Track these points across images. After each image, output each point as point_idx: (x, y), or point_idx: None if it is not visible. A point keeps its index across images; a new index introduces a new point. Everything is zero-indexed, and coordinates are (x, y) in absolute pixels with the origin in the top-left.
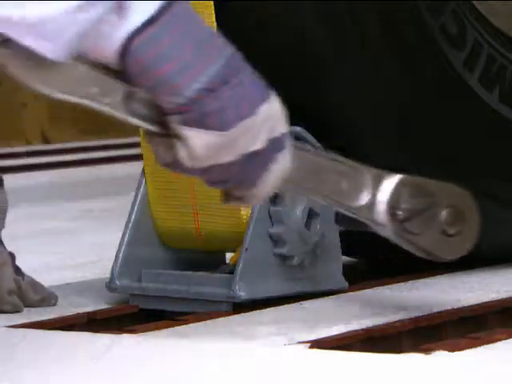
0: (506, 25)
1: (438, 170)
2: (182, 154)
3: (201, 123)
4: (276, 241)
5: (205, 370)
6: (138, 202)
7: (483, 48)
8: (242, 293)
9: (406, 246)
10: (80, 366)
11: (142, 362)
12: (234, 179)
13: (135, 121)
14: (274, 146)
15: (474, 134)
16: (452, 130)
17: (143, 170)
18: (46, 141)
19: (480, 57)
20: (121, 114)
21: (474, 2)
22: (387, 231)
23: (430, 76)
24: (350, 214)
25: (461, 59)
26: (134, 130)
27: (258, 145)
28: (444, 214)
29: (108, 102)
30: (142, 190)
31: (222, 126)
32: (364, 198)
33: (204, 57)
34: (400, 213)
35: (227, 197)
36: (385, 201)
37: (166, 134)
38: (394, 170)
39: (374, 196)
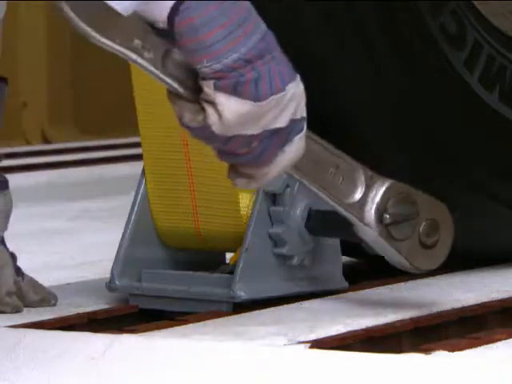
0: (505, 25)
1: (438, 170)
2: (213, 119)
3: (236, 91)
4: (276, 241)
5: (205, 370)
6: (137, 202)
7: (483, 48)
8: (242, 293)
9: (384, 253)
10: (80, 366)
11: (142, 362)
12: (249, 155)
13: (168, 81)
14: (294, 127)
15: (474, 133)
16: (452, 129)
17: (143, 170)
18: (46, 141)
19: (480, 57)
20: (156, 72)
21: (474, 2)
22: (371, 233)
23: (429, 76)
24: (340, 210)
25: (461, 59)
26: (134, 130)
27: (282, 123)
28: (423, 225)
29: (148, 57)
30: (141, 190)
31: (255, 97)
32: (356, 196)
33: (245, 29)
34: (387, 216)
35: (235, 174)
36: (375, 202)
37: (194, 100)
38: (394, 170)
39: (365, 195)
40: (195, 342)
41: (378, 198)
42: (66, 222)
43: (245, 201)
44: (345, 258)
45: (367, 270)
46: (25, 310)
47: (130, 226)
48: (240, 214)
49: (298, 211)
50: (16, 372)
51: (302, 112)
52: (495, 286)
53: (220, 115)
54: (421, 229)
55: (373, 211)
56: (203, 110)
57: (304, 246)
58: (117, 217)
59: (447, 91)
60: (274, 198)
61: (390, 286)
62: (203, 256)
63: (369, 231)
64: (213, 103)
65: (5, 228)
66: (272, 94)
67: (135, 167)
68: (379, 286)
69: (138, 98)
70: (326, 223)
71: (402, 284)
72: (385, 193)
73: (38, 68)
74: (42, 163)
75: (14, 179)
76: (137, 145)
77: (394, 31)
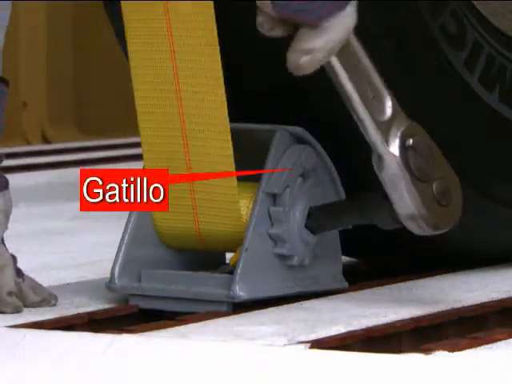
0: (505, 25)
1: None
2: None
3: None
4: (276, 241)
5: (205, 370)
6: None
7: (483, 48)
8: (242, 293)
9: (399, 194)
10: (80, 366)
11: (142, 362)
12: (305, 4)
13: None
14: None
15: (474, 133)
16: (452, 129)
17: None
18: (46, 141)
19: (480, 57)
20: None
21: (474, 2)
22: (391, 161)
23: (429, 76)
24: (367, 126)
25: (461, 59)
26: (134, 130)
27: None
28: (437, 183)
29: None
30: None
31: None
32: (384, 117)
33: None
34: (411, 141)
35: (295, 53)
36: (400, 129)
37: None
38: None
39: (391, 121)
40: (195, 342)
41: (403, 127)
42: (66, 221)
43: (245, 201)
44: (345, 258)
45: (367, 270)
46: (25, 309)
47: (130, 226)
48: (240, 214)
49: (298, 211)
50: (16, 372)
51: None
52: (495, 286)
53: None
54: (435, 182)
55: (398, 136)
56: None
57: (304, 246)
58: (117, 217)
59: (447, 91)
60: (273, 198)
61: (389, 286)
62: (203, 256)
63: (389, 157)
64: None
65: (5, 228)
66: None
67: (135, 167)
68: (379, 286)
69: (137, 98)
70: (326, 215)
71: (402, 284)
72: (410, 126)
73: (38, 68)
74: (42, 163)
75: (14, 179)
76: (137, 145)
77: (394, 32)
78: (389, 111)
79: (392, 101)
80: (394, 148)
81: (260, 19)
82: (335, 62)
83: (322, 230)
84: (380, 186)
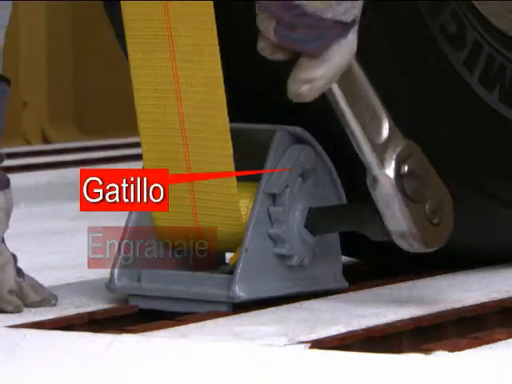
0: (505, 25)
1: (438, 170)
2: None
3: None
4: (276, 241)
5: (205, 370)
6: None
7: (483, 48)
8: (242, 293)
9: (391, 213)
10: (80, 366)
11: (142, 362)
12: (305, 35)
13: None
14: (352, 25)
15: (474, 133)
16: (452, 129)
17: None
18: (46, 141)
19: (480, 57)
20: None
21: (474, 2)
22: (385, 183)
23: (429, 76)
24: (363, 149)
25: (461, 59)
26: (134, 130)
27: (347, 18)
28: (430, 200)
29: None
30: None
31: None
32: (380, 140)
33: None
34: (405, 167)
35: (295, 83)
36: (396, 151)
37: None
38: None
39: (387, 142)
40: (195, 342)
41: (399, 149)
42: (66, 221)
43: (245, 201)
44: (345, 258)
45: (367, 270)
46: (25, 309)
47: (129, 226)
48: (240, 214)
49: (298, 211)
50: (16, 372)
51: (358, 12)
52: (495, 286)
53: None
54: (428, 202)
55: (393, 158)
56: None
57: (304, 246)
58: (117, 217)
59: (447, 91)
60: (273, 198)
61: (389, 286)
62: (203, 256)
63: (383, 179)
64: None
65: (6, 227)
66: None
67: (135, 167)
68: (379, 285)
69: (137, 98)
70: (326, 218)
71: (402, 284)
72: (406, 147)
73: (38, 68)
74: (42, 163)
75: (14, 179)
76: (137, 145)
77: (394, 31)
78: (385, 133)
79: (389, 122)
80: (389, 170)
81: (261, 44)
82: (334, 87)
83: (319, 233)
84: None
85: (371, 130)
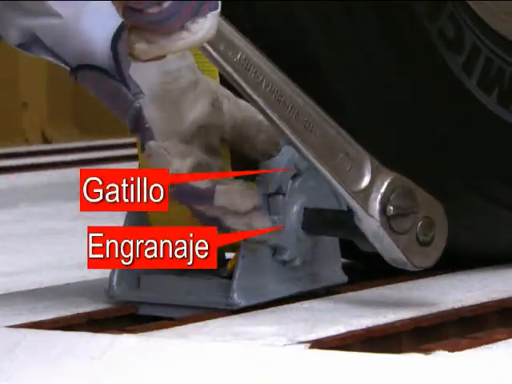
0: (503, 27)
1: (438, 172)
2: None
3: None
4: (276, 248)
5: (205, 369)
6: None
7: (481, 51)
8: (241, 300)
9: (381, 246)
10: (80, 366)
11: (142, 362)
12: (155, 16)
13: None
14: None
15: (473, 136)
16: (451, 132)
17: None
18: (46, 141)
19: (478, 60)
20: None
21: (471, 5)
22: (372, 224)
23: (428, 79)
24: (345, 197)
25: (459, 63)
26: None
27: None
28: (421, 222)
29: None
30: None
31: None
32: (362, 185)
33: None
34: (391, 208)
35: (135, 36)
36: (380, 192)
37: None
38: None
39: (371, 185)
40: (195, 342)
41: (382, 189)
42: (66, 221)
43: None
44: (344, 258)
45: (367, 270)
46: (25, 309)
47: (129, 226)
48: None
49: (294, 211)
50: (16, 372)
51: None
52: (495, 286)
53: None
54: (418, 225)
55: (377, 201)
56: None
57: (302, 246)
58: (117, 217)
59: (446, 94)
60: (268, 201)
61: (389, 286)
62: None
63: (371, 222)
64: None
65: None
66: None
67: (135, 167)
68: (379, 285)
69: None
70: (318, 222)
71: (402, 284)
72: (389, 184)
73: (38, 68)
74: (42, 163)
75: (14, 179)
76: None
77: (392, 33)
78: (367, 177)
79: (371, 163)
80: (375, 214)
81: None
82: (307, 152)
83: (314, 234)
84: None
85: (352, 181)
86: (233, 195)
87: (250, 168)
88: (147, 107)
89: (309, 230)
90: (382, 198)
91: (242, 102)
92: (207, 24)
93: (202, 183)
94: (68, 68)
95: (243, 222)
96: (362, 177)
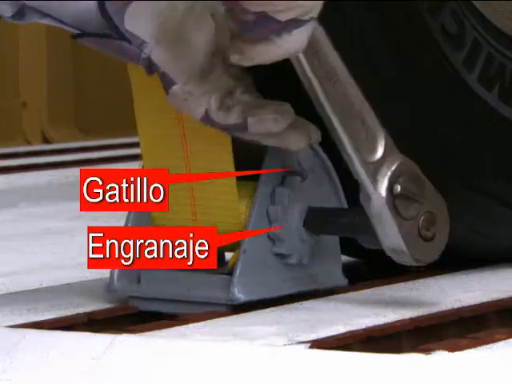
0: (505, 24)
1: (440, 171)
2: None
3: None
4: (274, 240)
5: (204, 370)
6: None
7: (482, 47)
8: (241, 295)
9: (383, 231)
10: (80, 366)
11: (142, 362)
12: (242, 23)
13: None
14: (294, 24)
15: (474, 133)
16: (452, 129)
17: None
18: (46, 141)
19: (479, 56)
20: None
21: (474, 2)
22: (378, 201)
23: (429, 75)
24: (355, 166)
25: (460, 58)
26: (134, 130)
27: (282, 18)
28: (424, 215)
29: None
30: None
31: None
32: (373, 158)
33: None
34: (398, 186)
35: (234, 49)
36: (390, 169)
37: None
38: None
39: (382, 160)
40: (195, 342)
41: (393, 167)
42: (66, 221)
43: (243, 201)
44: (345, 258)
45: (367, 270)
46: (25, 309)
47: (129, 226)
48: (239, 214)
49: (296, 210)
50: (16, 372)
51: (314, 14)
52: (495, 286)
53: None
54: (422, 218)
55: (387, 178)
56: None
57: (302, 245)
58: (117, 217)
59: (447, 90)
60: (271, 198)
61: (389, 286)
62: None
63: (376, 198)
64: None
65: None
66: None
67: (135, 167)
68: (379, 285)
69: (136, 98)
70: (321, 220)
71: (402, 284)
72: (400, 165)
73: (38, 68)
74: (42, 163)
75: (14, 179)
76: (137, 145)
77: (393, 31)
78: (380, 151)
79: (386, 139)
80: (382, 189)
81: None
82: (326, 105)
83: (315, 234)
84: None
85: (365, 149)
86: (266, 123)
87: (251, 168)
88: (154, 54)
89: (311, 228)
90: (391, 176)
91: None
92: (293, 38)
93: (231, 119)
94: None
95: (276, 140)
96: (375, 149)
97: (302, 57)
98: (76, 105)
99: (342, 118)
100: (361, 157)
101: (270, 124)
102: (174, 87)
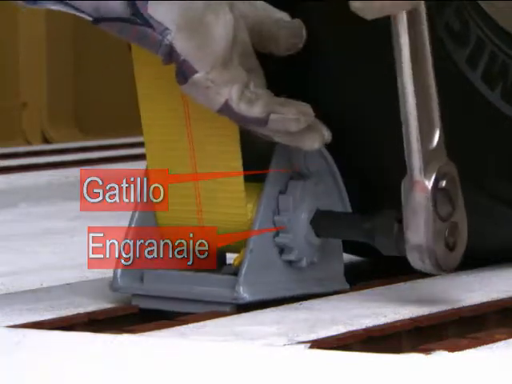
0: (508, 22)
1: None
2: None
3: None
4: (283, 248)
5: (204, 370)
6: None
7: (486, 45)
8: (246, 294)
9: (415, 223)
10: (80, 366)
11: (142, 361)
12: None
13: None
14: None
15: (476, 131)
16: (453, 127)
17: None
18: (46, 141)
19: (483, 54)
20: None
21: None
22: (420, 191)
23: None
24: (409, 152)
25: (464, 56)
26: (135, 130)
27: None
28: (450, 225)
29: None
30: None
31: None
32: (429, 147)
33: None
34: (443, 182)
35: None
36: (440, 164)
37: None
38: (395, 168)
39: (433, 153)
40: (195, 342)
41: (441, 163)
42: (66, 221)
43: (251, 199)
44: (345, 258)
45: (367, 270)
46: (25, 309)
47: (132, 225)
48: (245, 214)
49: (303, 213)
50: (16, 372)
51: None
52: (495, 286)
53: None
54: (450, 224)
55: (435, 170)
56: None
57: (310, 248)
58: (117, 217)
59: (450, 89)
60: (277, 199)
61: (389, 286)
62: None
63: (421, 187)
64: None
65: None
66: None
67: (135, 167)
68: (379, 285)
69: (140, 98)
70: (335, 224)
71: (402, 284)
72: (446, 164)
73: (38, 68)
74: (42, 163)
75: (14, 179)
76: (137, 145)
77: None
78: (435, 143)
79: (440, 135)
80: (429, 179)
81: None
82: (408, 84)
83: (324, 237)
84: (397, 207)
85: (425, 136)
86: (288, 122)
87: (256, 168)
88: (176, 41)
89: (321, 230)
90: (439, 170)
91: (258, 2)
92: None
93: (254, 112)
94: (89, 18)
95: (291, 138)
96: (431, 140)
97: (405, 19)
98: (76, 105)
99: (418, 96)
100: (421, 141)
101: (292, 124)
102: (197, 75)
